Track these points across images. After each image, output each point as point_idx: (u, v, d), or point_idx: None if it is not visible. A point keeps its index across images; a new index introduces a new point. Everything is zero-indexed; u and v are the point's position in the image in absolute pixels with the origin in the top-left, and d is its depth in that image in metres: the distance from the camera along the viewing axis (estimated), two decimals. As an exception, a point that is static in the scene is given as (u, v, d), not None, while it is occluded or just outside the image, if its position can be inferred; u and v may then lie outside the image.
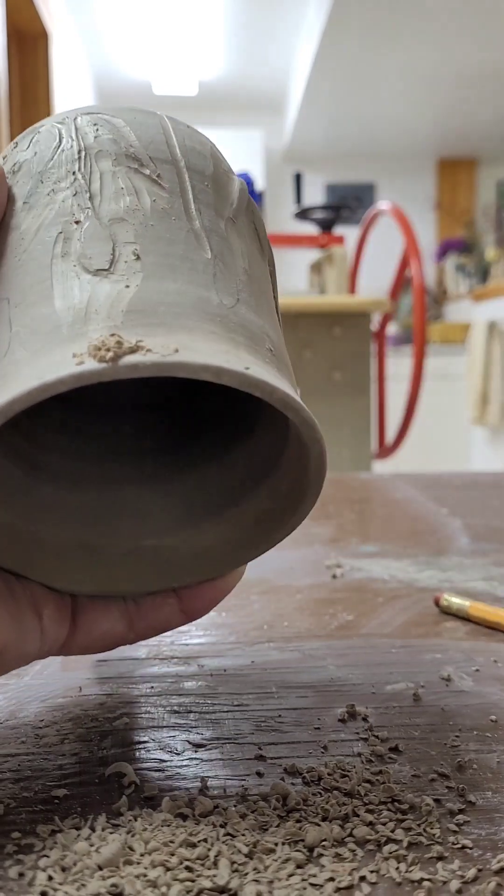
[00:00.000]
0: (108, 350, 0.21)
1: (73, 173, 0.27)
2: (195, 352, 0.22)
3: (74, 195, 0.27)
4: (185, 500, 0.30)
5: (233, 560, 0.29)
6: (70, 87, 3.97)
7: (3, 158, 0.29)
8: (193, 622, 0.30)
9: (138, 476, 0.31)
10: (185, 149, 0.29)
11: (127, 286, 0.24)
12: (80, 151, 0.28)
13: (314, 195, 5.66)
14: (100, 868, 0.21)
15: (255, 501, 0.29)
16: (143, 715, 0.31)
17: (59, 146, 0.28)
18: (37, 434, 0.30)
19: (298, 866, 0.22)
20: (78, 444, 0.32)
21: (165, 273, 0.25)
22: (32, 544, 0.27)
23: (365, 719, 0.31)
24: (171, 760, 0.28)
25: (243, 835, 0.23)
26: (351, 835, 0.23)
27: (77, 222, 0.26)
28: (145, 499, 0.30)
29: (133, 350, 0.21)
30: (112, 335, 0.22)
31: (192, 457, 0.31)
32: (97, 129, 0.28)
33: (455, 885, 0.21)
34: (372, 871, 0.21)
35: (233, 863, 0.21)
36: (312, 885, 0.21)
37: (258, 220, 0.31)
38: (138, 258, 0.25)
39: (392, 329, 4.93)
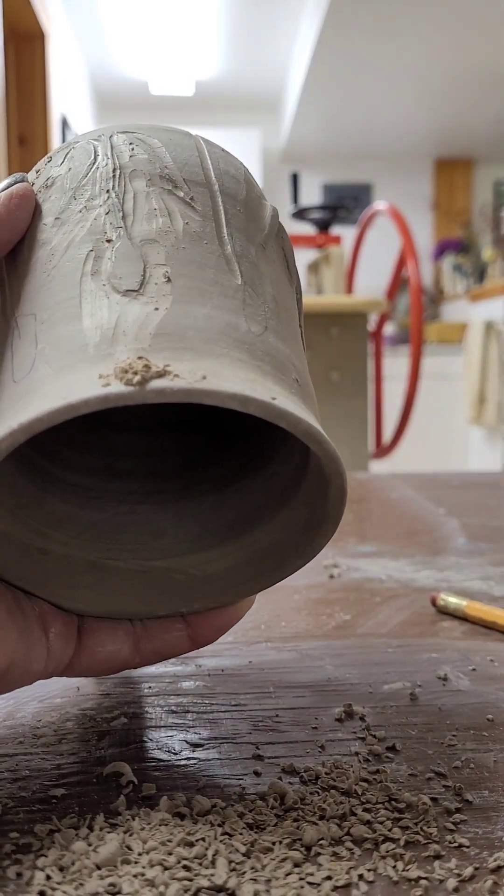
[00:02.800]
0: (135, 373, 0.21)
1: (107, 191, 0.27)
2: (223, 379, 0.22)
3: (107, 213, 0.26)
4: (199, 522, 0.30)
5: (244, 588, 0.28)
6: (67, 87, 3.97)
7: (37, 173, 0.29)
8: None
9: (153, 495, 0.31)
10: (220, 172, 0.29)
11: (156, 308, 0.24)
12: (114, 170, 0.27)
13: (311, 195, 5.66)
14: (98, 867, 0.21)
15: (269, 530, 0.28)
16: (141, 715, 0.31)
17: (93, 163, 0.28)
18: (52, 449, 0.30)
19: (296, 865, 0.22)
20: (93, 460, 0.31)
21: (195, 297, 0.25)
22: (42, 561, 0.27)
23: (362, 719, 0.31)
24: (169, 760, 0.28)
25: (241, 834, 0.23)
26: (348, 834, 0.23)
27: (108, 241, 0.26)
28: (158, 518, 0.30)
29: (160, 375, 0.21)
30: (140, 358, 0.22)
31: (208, 479, 0.31)
32: (133, 149, 0.28)
33: (452, 883, 0.21)
34: (369, 870, 0.22)
35: (230, 862, 0.22)
36: (310, 883, 0.21)
37: (287, 247, 0.31)
38: (169, 280, 0.25)
39: (389, 329, 4.93)
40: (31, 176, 0.29)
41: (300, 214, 2.79)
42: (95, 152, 0.28)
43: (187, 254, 0.26)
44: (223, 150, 0.31)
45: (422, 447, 4.35)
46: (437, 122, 5.04)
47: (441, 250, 5.57)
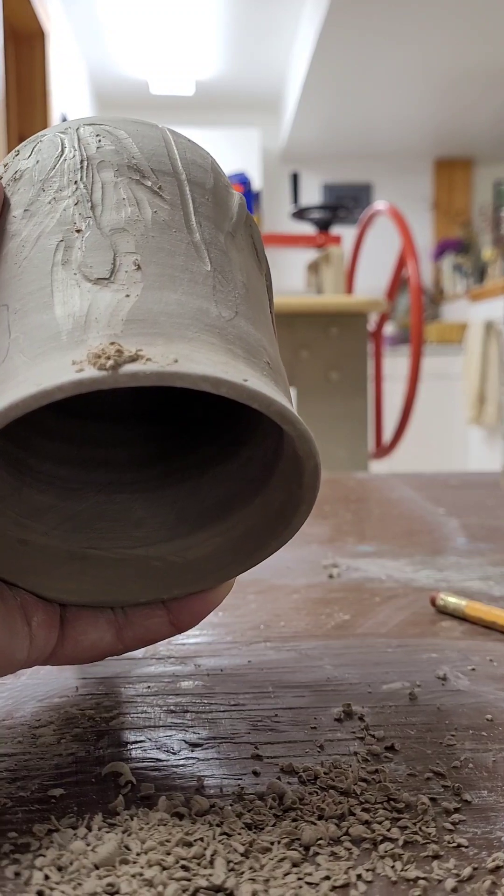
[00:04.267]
0: (108, 358, 0.21)
1: (75, 182, 0.27)
2: (194, 362, 0.22)
3: (76, 204, 0.27)
4: (177, 509, 0.30)
5: (223, 573, 0.29)
6: (67, 87, 3.97)
7: (5, 166, 0.29)
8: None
9: (130, 484, 0.31)
10: (187, 161, 0.29)
11: (127, 295, 0.24)
12: (82, 161, 0.28)
13: (311, 195, 5.67)
14: (96, 867, 0.21)
15: (246, 514, 0.29)
16: (139, 714, 0.31)
17: (61, 155, 0.28)
18: (28, 440, 0.30)
19: (294, 865, 0.22)
20: (70, 450, 0.32)
21: (166, 283, 0.25)
22: (22, 552, 0.27)
23: (361, 718, 0.31)
24: (168, 760, 0.28)
25: (239, 834, 0.23)
26: (347, 833, 0.23)
27: (78, 231, 0.26)
28: (136, 507, 0.30)
29: (133, 359, 0.21)
30: (112, 343, 0.22)
31: (184, 467, 0.31)
32: (99, 140, 0.28)
33: (450, 883, 0.21)
34: (368, 870, 0.22)
35: (229, 862, 0.21)
36: (308, 883, 0.21)
37: (256, 235, 0.31)
38: (139, 268, 0.25)
39: (389, 329, 4.93)
40: None
41: (300, 214, 2.79)
42: (62, 144, 0.28)
43: (156, 242, 0.26)
44: (189, 140, 0.31)
45: (422, 447, 4.35)
46: (436, 122, 5.04)
47: (441, 250, 5.57)
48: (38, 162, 0.28)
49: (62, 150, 0.28)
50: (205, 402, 0.32)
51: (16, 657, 0.26)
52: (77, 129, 0.29)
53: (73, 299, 0.24)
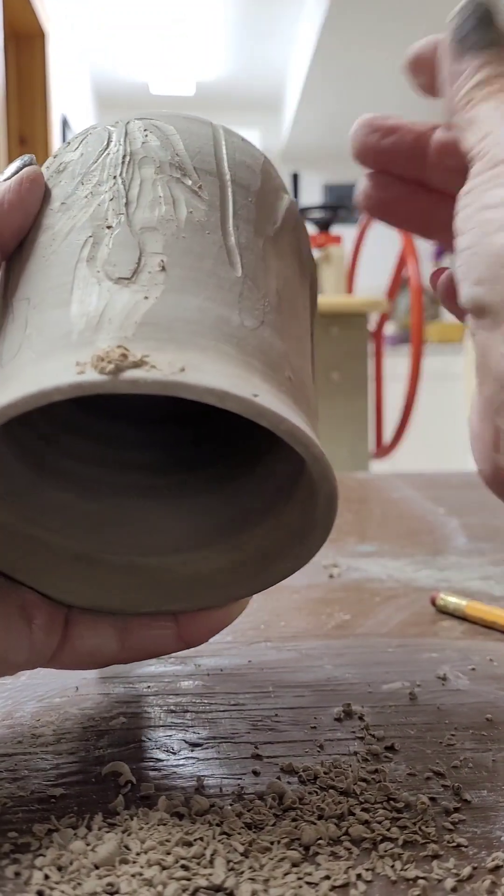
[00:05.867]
0: (110, 362, 0.21)
1: (115, 177, 0.27)
2: (202, 372, 0.21)
3: (111, 200, 0.26)
4: (193, 520, 0.29)
5: (232, 590, 0.28)
6: (67, 87, 3.97)
7: (54, 157, 0.29)
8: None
9: (148, 490, 0.30)
10: (234, 162, 0.28)
11: (146, 297, 0.24)
12: (125, 156, 0.27)
13: (311, 195, 5.66)
14: (96, 867, 0.21)
15: (262, 532, 0.28)
16: (139, 714, 0.31)
17: (105, 149, 0.28)
18: (51, 434, 0.30)
19: (294, 865, 0.22)
20: (91, 448, 0.31)
21: (189, 287, 0.24)
22: (30, 548, 0.27)
23: (361, 718, 0.31)
24: (168, 760, 0.28)
25: (239, 833, 0.23)
26: (347, 833, 0.23)
27: (109, 227, 0.25)
28: (152, 514, 0.29)
29: (137, 365, 0.21)
30: (118, 347, 0.21)
31: (205, 477, 0.30)
32: (146, 135, 0.28)
33: (450, 883, 0.21)
34: (367, 870, 0.22)
35: (229, 861, 0.21)
36: (308, 883, 0.21)
37: (304, 241, 0.30)
38: (163, 269, 0.24)
39: (389, 329, 4.92)
40: (48, 161, 0.29)
41: (301, 214, 2.79)
42: (109, 138, 0.28)
43: (187, 243, 0.25)
44: (244, 140, 0.30)
45: (422, 447, 4.34)
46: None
47: (441, 250, 5.57)
48: (82, 155, 0.28)
49: (107, 144, 0.28)
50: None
51: (13, 659, 0.26)
52: (127, 122, 0.28)
53: (91, 298, 0.24)
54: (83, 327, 0.23)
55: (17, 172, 0.27)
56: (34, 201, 0.27)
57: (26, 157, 0.28)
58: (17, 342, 0.24)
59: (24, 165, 0.28)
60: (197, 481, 0.31)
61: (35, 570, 0.27)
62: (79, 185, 0.27)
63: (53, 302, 0.24)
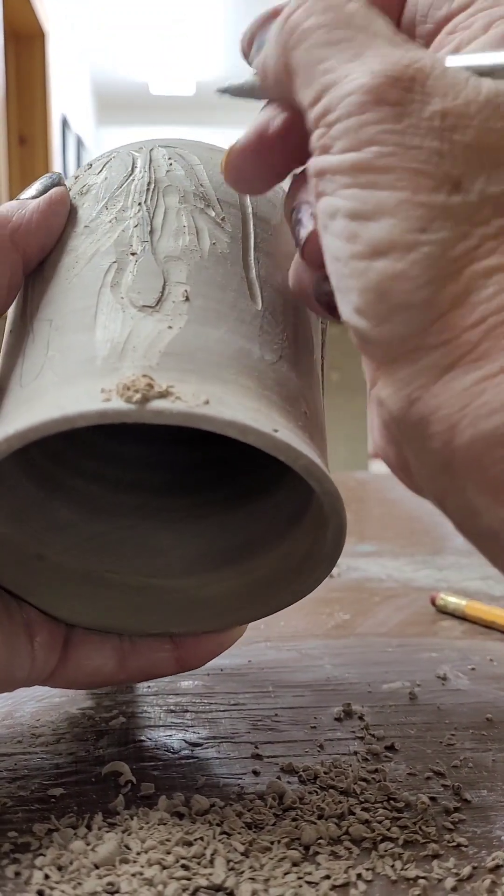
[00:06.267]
0: (136, 391, 0.21)
1: (139, 204, 0.27)
2: (225, 406, 0.21)
3: (136, 226, 0.26)
4: (200, 545, 0.29)
5: (236, 616, 0.28)
6: (67, 87, 3.97)
7: (75, 178, 0.29)
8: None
9: (157, 511, 0.30)
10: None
11: (170, 327, 0.24)
12: (149, 183, 0.27)
13: (311, 195, 5.66)
14: (96, 867, 0.21)
15: (268, 560, 0.28)
16: (139, 714, 0.31)
17: (130, 175, 0.28)
18: (61, 453, 0.30)
19: (294, 864, 0.22)
20: (102, 468, 0.31)
21: (211, 319, 0.24)
22: (37, 567, 0.27)
23: (361, 718, 0.31)
24: (168, 759, 0.28)
25: (239, 833, 0.23)
26: (347, 833, 0.23)
27: (133, 254, 0.25)
28: (160, 536, 0.29)
29: (163, 395, 0.21)
30: (144, 376, 0.21)
31: (214, 501, 0.30)
32: (171, 164, 0.28)
33: (450, 882, 0.21)
34: (367, 869, 0.22)
35: (229, 861, 0.22)
36: (308, 882, 0.21)
37: None
38: (187, 300, 0.25)
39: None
40: (69, 182, 0.29)
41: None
42: (133, 164, 0.28)
43: (209, 274, 0.25)
44: None
45: (422, 447, 4.34)
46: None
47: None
48: (106, 179, 0.28)
49: (132, 170, 0.28)
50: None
51: (15, 675, 0.25)
52: (151, 149, 0.29)
53: (115, 324, 0.24)
54: (107, 353, 0.23)
55: (43, 191, 0.27)
56: (61, 222, 0.27)
57: (54, 176, 0.28)
58: (38, 363, 0.24)
59: (52, 184, 0.28)
60: (205, 505, 0.30)
61: (41, 588, 0.26)
62: (103, 209, 0.27)
63: (76, 325, 0.24)
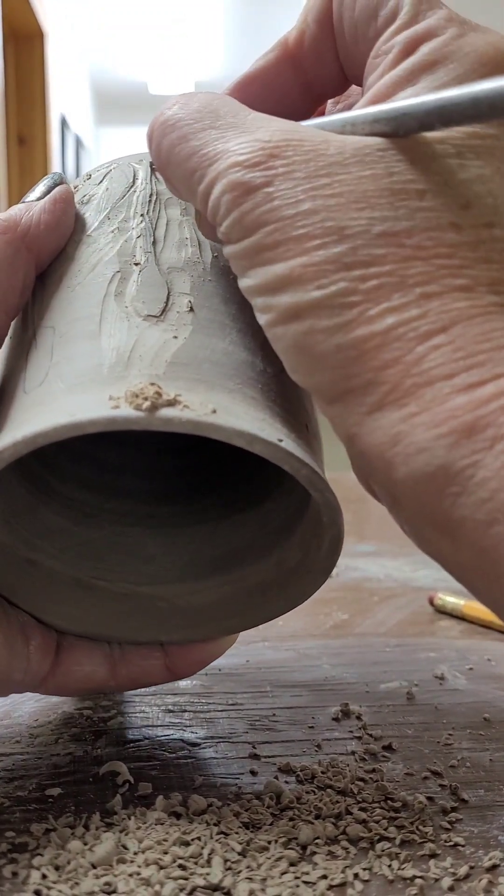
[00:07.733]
0: (145, 399, 0.21)
1: (142, 215, 0.27)
2: (232, 415, 0.22)
3: (139, 237, 0.26)
4: (190, 552, 0.29)
5: (226, 624, 0.28)
6: (66, 87, 3.97)
7: (75, 188, 0.29)
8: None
9: (147, 518, 0.30)
10: None
11: (175, 337, 0.24)
12: (151, 195, 0.27)
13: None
14: (93, 866, 0.21)
15: (260, 568, 0.28)
16: (137, 714, 0.31)
17: (131, 186, 0.28)
18: (54, 459, 0.30)
19: (291, 864, 0.22)
20: (93, 474, 0.31)
21: (215, 330, 0.25)
22: (28, 571, 0.27)
23: (359, 718, 0.31)
24: (166, 759, 0.28)
25: (237, 833, 0.23)
26: (344, 833, 0.23)
27: (136, 264, 0.26)
28: (150, 543, 0.29)
29: (171, 403, 0.21)
30: (152, 384, 0.22)
31: (205, 508, 0.31)
32: None
33: (447, 882, 0.21)
34: (365, 869, 0.22)
35: (226, 861, 0.22)
36: (305, 882, 0.21)
37: None
38: (191, 310, 0.25)
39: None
40: None
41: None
42: (135, 175, 0.28)
43: (213, 286, 0.26)
44: None
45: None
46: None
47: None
48: (107, 189, 0.28)
49: (133, 181, 0.28)
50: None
51: (13, 677, 0.25)
52: (152, 161, 0.28)
53: (121, 333, 0.24)
54: (114, 361, 0.23)
55: (47, 192, 0.27)
56: (69, 222, 0.27)
57: (56, 176, 0.28)
58: (42, 370, 0.24)
59: (54, 184, 0.28)
60: (197, 512, 0.30)
61: (32, 593, 0.26)
62: (105, 219, 0.27)
63: (81, 333, 0.24)
